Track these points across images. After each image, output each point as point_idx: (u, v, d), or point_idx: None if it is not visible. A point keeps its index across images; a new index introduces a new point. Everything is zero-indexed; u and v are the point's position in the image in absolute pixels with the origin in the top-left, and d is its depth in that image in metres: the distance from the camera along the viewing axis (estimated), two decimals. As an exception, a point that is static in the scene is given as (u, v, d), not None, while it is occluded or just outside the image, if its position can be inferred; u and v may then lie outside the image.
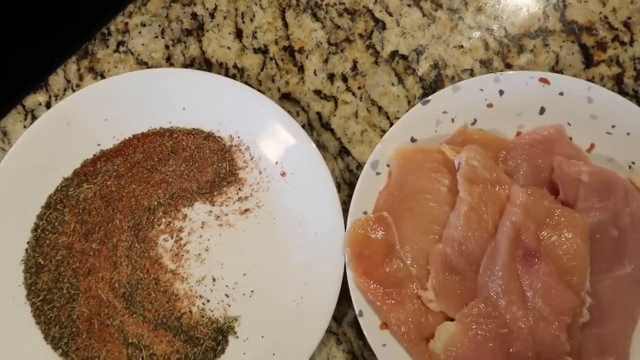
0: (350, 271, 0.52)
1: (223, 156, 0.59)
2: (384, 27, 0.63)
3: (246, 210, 0.58)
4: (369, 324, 0.51)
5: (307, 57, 0.63)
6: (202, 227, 0.58)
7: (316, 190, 0.55)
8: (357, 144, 0.61)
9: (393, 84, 0.61)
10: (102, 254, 0.56)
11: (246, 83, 0.62)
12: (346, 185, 0.60)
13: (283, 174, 0.57)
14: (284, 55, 0.63)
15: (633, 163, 0.54)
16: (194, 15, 0.65)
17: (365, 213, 0.54)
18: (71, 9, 0.65)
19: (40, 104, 0.63)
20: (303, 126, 0.61)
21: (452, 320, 0.50)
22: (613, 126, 0.54)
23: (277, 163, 0.58)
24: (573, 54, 0.60)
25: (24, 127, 0.62)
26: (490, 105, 0.56)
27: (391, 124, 0.60)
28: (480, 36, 0.62)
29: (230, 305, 0.56)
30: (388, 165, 0.55)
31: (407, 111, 0.56)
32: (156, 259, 0.57)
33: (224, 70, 0.63)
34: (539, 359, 0.48)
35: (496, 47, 0.61)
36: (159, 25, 0.64)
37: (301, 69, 0.63)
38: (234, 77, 0.63)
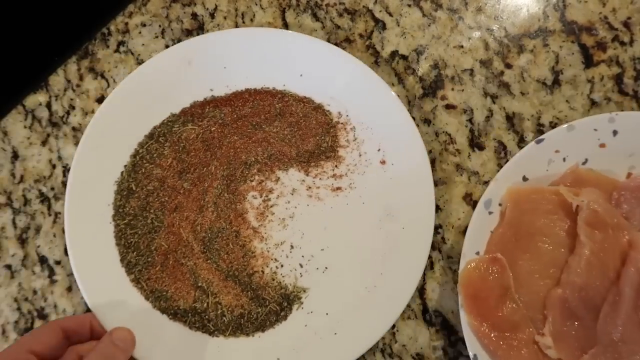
0: (465, 313, 0.51)
1: (328, 130, 0.59)
2: (384, 27, 0.63)
3: (338, 188, 0.58)
4: None
5: (307, 57, 0.63)
6: (292, 194, 0.58)
7: (413, 187, 0.55)
8: (357, 144, 0.61)
9: (393, 84, 0.61)
10: (191, 195, 0.57)
11: (246, 83, 0.62)
12: (346, 185, 0.60)
13: (383, 162, 0.58)
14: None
15: None
16: (194, 15, 0.65)
17: (477, 253, 0.53)
18: (71, 9, 0.65)
19: (40, 104, 0.63)
20: (303, 126, 0.61)
21: None
22: None
23: (379, 150, 0.58)
24: (573, 54, 0.60)
25: (24, 127, 0.62)
26: (602, 145, 0.55)
27: (391, 124, 0.60)
28: (480, 36, 0.62)
29: (302, 275, 0.56)
30: (500, 205, 0.54)
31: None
32: (241, 213, 0.57)
33: (224, 70, 0.63)
34: None
35: (496, 47, 0.61)
36: (159, 25, 0.64)
37: (301, 69, 0.63)
38: (234, 77, 0.63)
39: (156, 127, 0.59)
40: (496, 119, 0.60)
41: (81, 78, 0.63)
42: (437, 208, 0.58)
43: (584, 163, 0.55)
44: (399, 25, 0.63)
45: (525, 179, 0.55)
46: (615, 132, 0.55)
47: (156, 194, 0.57)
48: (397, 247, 0.55)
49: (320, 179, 0.58)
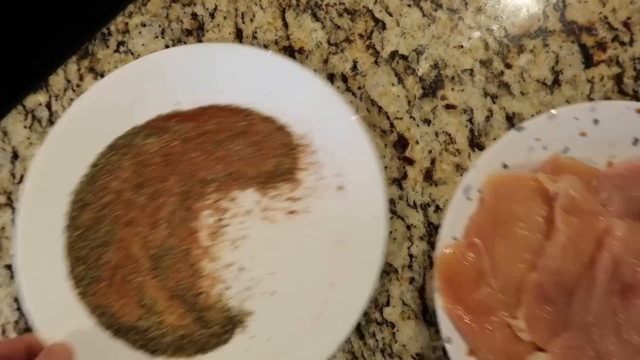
0: (440, 297, 0.51)
1: (288, 152, 0.58)
2: (384, 27, 0.63)
3: (293, 211, 0.57)
4: (457, 351, 0.50)
5: (307, 57, 0.63)
6: (247, 215, 0.57)
7: (368, 216, 0.54)
8: (357, 144, 0.61)
9: (393, 84, 0.61)
10: (146, 210, 0.57)
11: (246, 83, 0.62)
12: (346, 185, 0.60)
13: (340, 188, 0.56)
14: (284, 56, 0.63)
15: None
16: (194, 15, 0.65)
17: (455, 239, 0.53)
18: (71, 9, 0.65)
19: (40, 104, 0.63)
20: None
21: (541, 350, 0.49)
22: None
23: (338, 175, 0.57)
24: (573, 54, 0.60)
25: (24, 127, 0.62)
26: (583, 134, 0.55)
27: (391, 124, 0.60)
28: (480, 36, 0.62)
29: (248, 299, 0.55)
30: (479, 191, 0.54)
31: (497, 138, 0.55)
32: (194, 231, 0.57)
33: (224, 70, 0.63)
34: None
35: (496, 47, 0.61)
36: (159, 25, 0.64)
37: (301, 69, 0.63)
38: (234, 77, 0.63)
39: (119, 138, 0.58)
40: (496, 119, 0.60)
41: (81, 78, 0.63)
42: (437, 208, 0.58)
43: (564, 151, 0.55)
44: (399, 25, 0.63)
45: (505, 166, 0.55)
46: (596, 121, 0.55)
47: (111, 206, 0.57)
48: (344, 276, 0.54)
49: (276, 201, 0.57)
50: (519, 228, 0.53)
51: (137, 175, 0.57)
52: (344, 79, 0.62)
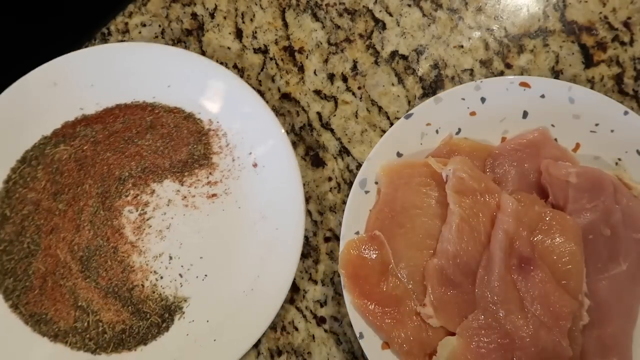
0: (347, 293, 0.51)
1: (199, 139, 0.60)
2: (384, 27, 0.63)
3: (213, 195, 0.58)
4: (371, 345, 0.51)
5: (307, 57, 0.63)
6: (168, 205, 0.58)
7: (283, 186, 0.56)
8: (357, 144, 0.61)
9: (393, 84, 0.61)
10: (67, 216, 0.57)
11: (246, 83, 0.62)
12: (346, 185, 0.60)
13: (255, 165, 0.58)
14: (284, 55, 0.63)
15: (619, 160, 0.54)
16: (194, 15, 0.65)
17: (357, 233, 0.54)
18: (71, 9, 0.65)
19: (40, 104, 0.63)
20: (303, 126, 0.61)
21: (453, 334, 0.50)
22: (597, 124, 0.54)
23: (250, 154, 0.59)
24: (573, 54, 0.60)
25: (24, 127, 0.62)
26: (473, 114, 0.56)
27: (391, 124, 0.60)
28: (480, 36, 0.62)
29: (182, 285, 0.57)
30: (376, 183, 0.55)
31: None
32: (118, 229, 0.58)
33: (224, 70, 0.63)
34: None
35: (496, 47, 0.61)
36: (159, 25, 0.64)
37: (301, 69, 0.63)
38: (234, 77, 0.63)
39: (28, 150, 0.59)
40: (496, 119, 0.60)
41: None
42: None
43: (457, 133, 0.56)
44: (399, 25, 0.63)
45: (399, 155, 0.55)
46: (483, 100, 0.56)
47: (31, 217, 0.57)
48: (272, 249, 0.56)
49: (195, 187, 0.59)
50: (417, 215, 0.53)
51: (53, 184, 0.58)
52: (344, 78, 0.62)
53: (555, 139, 0.55)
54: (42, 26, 0.65)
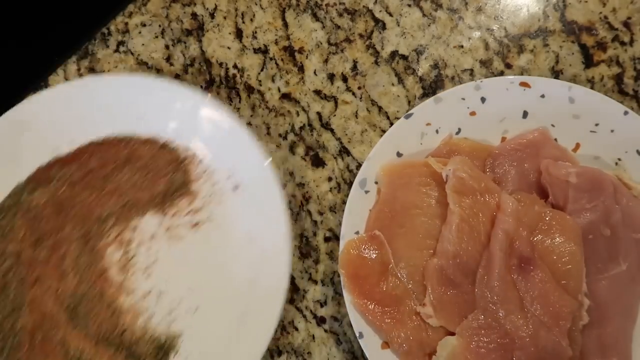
0: (347, 293, 0.51)
1: (177, 167, 0.58)
2: (384, 27, 0.63)
3: (197, 223, 0.57)
4: (370, 344, 0.51)
5: (307, 57, 0.63)
6: (151, 239, 0.56)
7: (266, 206, 0.54)
8: (357, 144, 0.61)
9: (393, 84, 0.61)
10: (50, 264, 0.55)
11: (246, 83, 0.62)
12: (346, 185, 0.60)
13: (235, 188, 0.57)
14: (284, 55, 0.63)
15: (619, 160, 0.54)
16: (194, 15, 0.65)
17: (357, 233, 0.54)
18: (71, 9, 0.65)
19: (40, 104, 0.63)
20: (302, 126, 0.61)
21: (452, 334, 0.49)
22: (597, 124, 0.54)
23: (229, 177, 0.57)
24: (573, 54, 0.60)
25: (24, 127, 0.62)
26: (473, 114, 0.56)
27: (391, 124, 0.60)
28: (480, 36, 0.62)
29: (174, 321, 0.55)
30: (376, 183, 0.55)
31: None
32: (103, 271, 0.55)
33: (224, 70, 0.63)
34: None
35: (496, 47, 0.61)
36: (159, 25, 0.64)
37: (301, 69, 0.63)
38: (233, 77, 0.63)
39: (3, 200, 0.57)
40: (496, 119, 0.60)
41: (81, 78, 0.63)
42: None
43: (457, 133, 0.56)
44: (399, 25, 0.63)
45: (399, 154, 0.55)
46: (483, 99, 0.56)
47: (13, 270, 0.55)
48: (261, 271, 0.54)
49: (178, 217, 0.57)
50: (417, 215, 0.53)
51: (32, 232, 0.56)
52: (344, 78, 0.62)
53: (555, 139, 0.55)
54: (42, 26, 0.65)
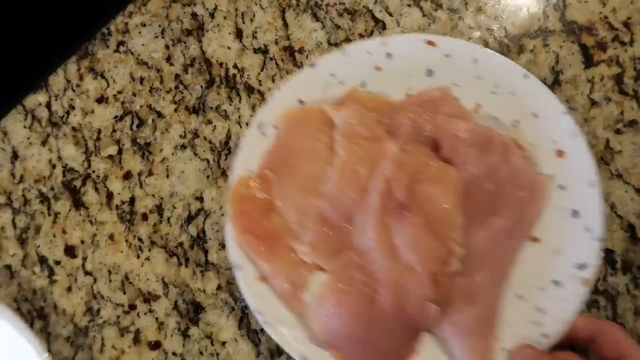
0: (231, 227, 0.53)
1: None
2: (384, 27, 0.63)
3: None
4: (246, 277, 0.52)
5: (307, 57, 0.63)
6: None
7: None
8: (357, 144, 0.61)
9: (393, 84, 0.61)
10: None
11: (246, 83, 0.62)
12: (346, 185, 0.60)
13: None
14: (284, 55, 0.63)
15: (517, 122, 0.55)
16: (194, 15, 0.65)
17: (250, 172, 0.55)
18: (71, 9, 0.65)
19: (40, 104, 0.63)
20: (303, 126, 0.61)
21: (323, 271, 0.52)
22: (497, 86, 0.56)
23: None
24: (573, 54, 0.60)
25: (24, 127, 0.62)
26: (378, 69, 0.57)
27: (391, 124, 0.60)
28: (480, 36, 0.62)
29: None
30: (275, 127, 0.56)
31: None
32: None
33: (224, 70, 0.63)
34: (403, 305, 0.49)
35: (496, 47, 0.61)
36: (159, 25, 0.64)
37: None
38: (233, 77, 0.63)
39: None
40: (496, 119, 0.60)
41: (81, 78, 0.63)
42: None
43: (362, 86, 0.57)
44: (399, 25, 0.63)
45: (301, 102, 0.56)
46: (389, 55, 0.56)
47: None
48: None
49: None
50: (307, 159, 0.55)
51: None
52: (344, 79, 0.62)
53: (458, 99, 0.56)
54: (42, 26, 0.65)
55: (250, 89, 0.62)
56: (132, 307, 0.57)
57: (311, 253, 0.52)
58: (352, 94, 0.56)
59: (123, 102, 0.62)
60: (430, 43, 0.56)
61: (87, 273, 0.58)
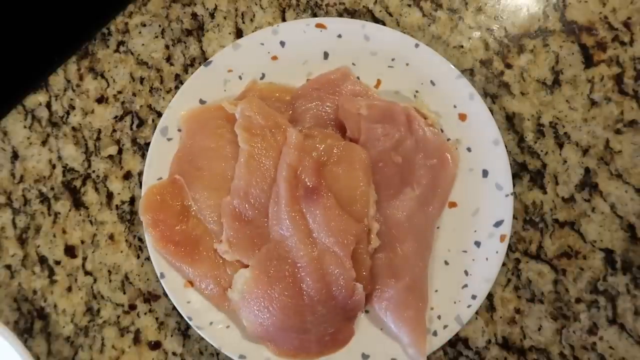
0: (149, 236, 0.53)
1: None
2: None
3: None
4: (172, 284, 0.53)
5: (307, 57, 0.63)
6: None
7: None
8: (357, 144, 0.61)
9: (393, 84, 0.61)
10: None
11: (246, 83, 0.62)
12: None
13: None
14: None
15: (417, 92, 0.57)
16: (194, 15, 0.65)
17: (160, 179, 0.55)
18: (71, 9, 0.65)
19: (40, 104, 0.63)
20: (303, 126, 0.61)
21: (246, 267, 0.52)
22: (393, 59, 0.57)
23: None
24: (573, 54, 0.60)
25: (24, 127, 0.62)
26: (275, 58, 0.58)
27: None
28: (480, 36, 0.62)
29: None
30: (180, 130, 0.56)
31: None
32: None
33: (224, 70, 0.63)
34: (329, 289, 0.50)
35: (496, 47, 0.61)
36: (159, 25, 0.64)
37: (301, 69, 0.63)
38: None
39: None
40: (496, 119, 0.59)
41: (81, 78, 0.63)
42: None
43: (262, 78, 0.58)
44: (399, 25, 0.63)
45: (203, 102, 0.57)
46: (282, 43, 0.58)
47: None
48: None
49: None
50: (213, 158, 0.55)
51: None
52: (344, 79, 0.62)
53: (358, 77, 0.57)
54: (42, 26, 0.65)
55: (250, 89, 0.62)
56: (132, 307, 0.57)
57: (231, 251, 0.52)
58: (252, 86, 0.57)
59: (123, 102, 0.62)
60: (320, 26, 0.57)
61: (87, 273, 0.58)
